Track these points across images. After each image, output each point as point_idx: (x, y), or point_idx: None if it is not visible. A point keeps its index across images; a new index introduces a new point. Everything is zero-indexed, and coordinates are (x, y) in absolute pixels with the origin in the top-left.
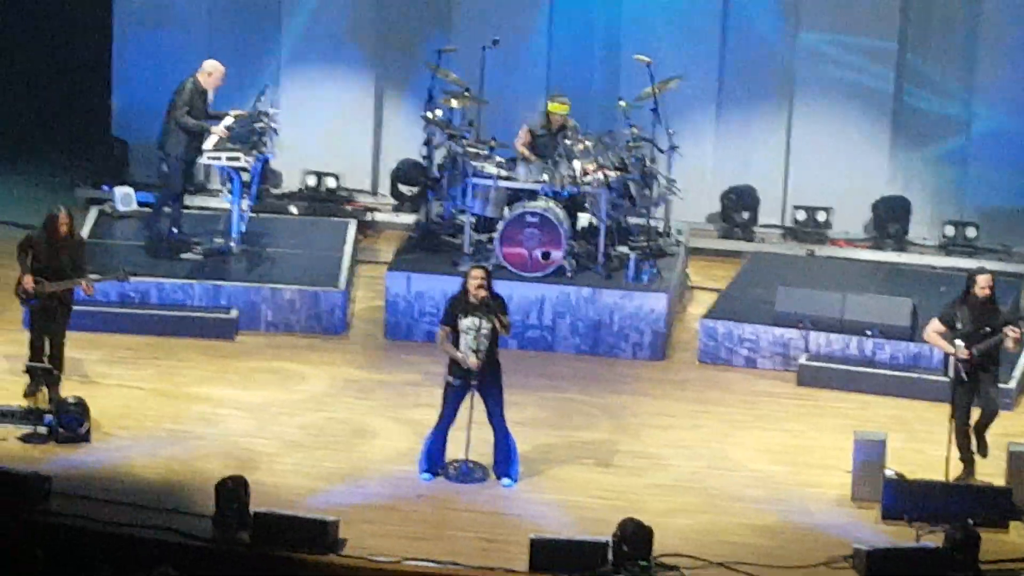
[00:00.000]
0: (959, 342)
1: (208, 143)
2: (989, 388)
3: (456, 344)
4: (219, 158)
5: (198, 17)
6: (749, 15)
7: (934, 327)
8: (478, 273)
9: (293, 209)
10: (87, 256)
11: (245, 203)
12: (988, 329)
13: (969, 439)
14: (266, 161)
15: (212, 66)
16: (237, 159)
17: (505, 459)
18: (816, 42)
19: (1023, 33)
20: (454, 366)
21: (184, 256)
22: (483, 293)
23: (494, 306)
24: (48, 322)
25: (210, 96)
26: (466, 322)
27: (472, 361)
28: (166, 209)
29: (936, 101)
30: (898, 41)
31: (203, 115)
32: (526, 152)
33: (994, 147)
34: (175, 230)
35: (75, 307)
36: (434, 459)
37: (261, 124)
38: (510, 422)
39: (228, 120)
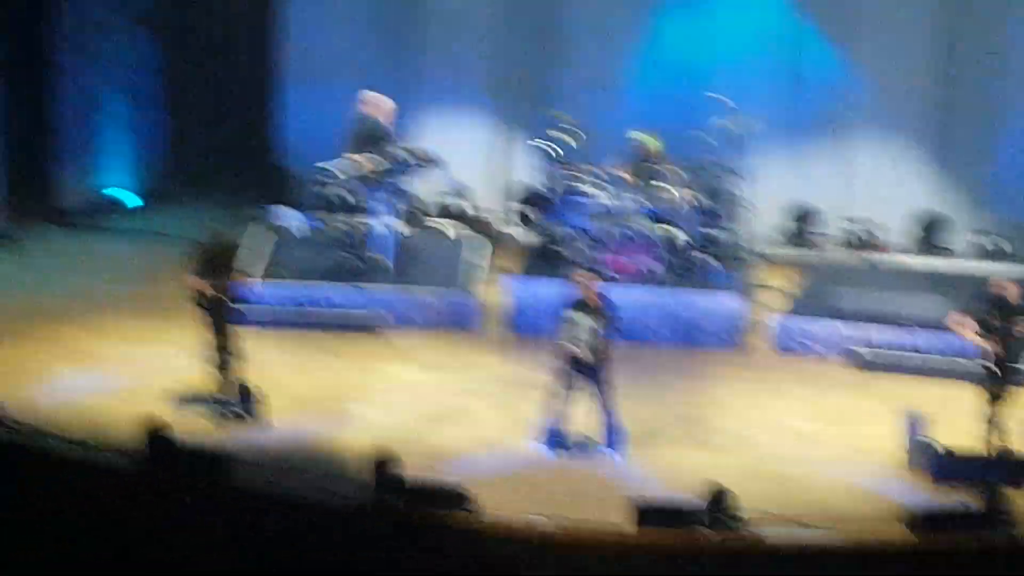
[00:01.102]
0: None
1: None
2: (1014, 375)
3: (571, 339)
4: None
5: (353, 63)
6: (814, 59)
7: (967, 323)
8: (588, 277)
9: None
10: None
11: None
12: (1014, 327)
13: (1003, 415)
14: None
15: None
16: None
17: (612, 436)
18: (869, 82)
19: None
20: (569, 356)
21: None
22: (592, 295)
23: (602, 307)
24: (220, 320)
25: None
26: (578, 318)
27: (581, 352)
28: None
29: (971, 130)
30: (937, 81)
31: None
32: (630, 178)
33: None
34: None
35: (254, 307)
36: (554, 436)
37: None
38: (617, 405)
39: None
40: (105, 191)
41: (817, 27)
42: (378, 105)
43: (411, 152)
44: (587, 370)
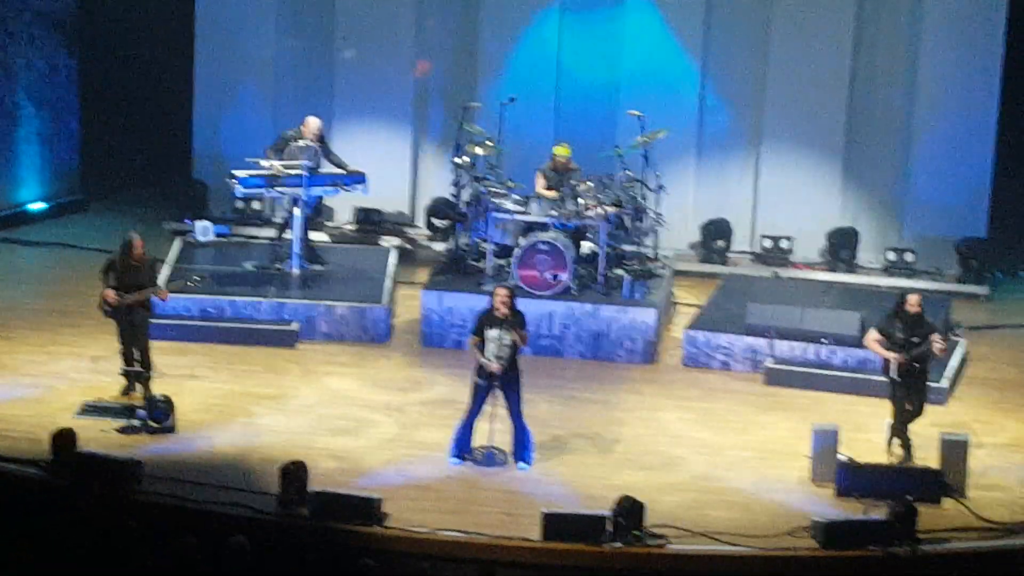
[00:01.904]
0: (893, 354)
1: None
2: (920, 390)
3: (483, 351)
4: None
5: (264, 80)
6: (724, 79)
7: (873, 336)
8: (503, 292)
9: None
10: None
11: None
12: (917, 339)
13: (906, 429)
14: (320, 199)
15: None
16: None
17: (521, 446)
18: (779, 99)
19: (954, 100)
20: (481, 369)
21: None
22: (506, 309)
23: (515, 321)
24: (133, 331)
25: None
26: (491, 333)
27: (494, 366)
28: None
29: (880, 148)
30: (847, 100)
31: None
32: (545, 192)
33: (929, 187)
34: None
35: (164, 320)
36: (462, 447)
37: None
38: (526, 416)
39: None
40: (15, 201)
41: (728, 44)
42: (305, 123)
43: (337, 166)
44: (498, 382)
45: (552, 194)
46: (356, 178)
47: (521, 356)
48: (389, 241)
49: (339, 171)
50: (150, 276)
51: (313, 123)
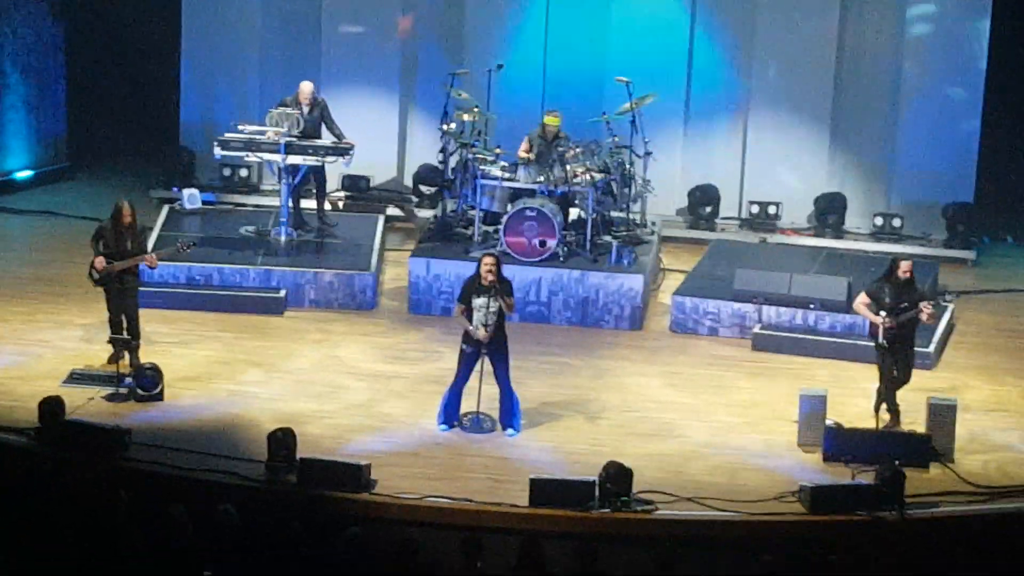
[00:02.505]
0: (883, 314)
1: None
2: (908, 355)
3: (469, 318)
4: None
5: (251, 48)
6: (712, 43)
7: (862, 299)
8: (489, 260)
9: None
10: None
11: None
12: (906, 304)
13: (894, 394)
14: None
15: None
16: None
17: (509, 413)
18: (766, 65)
19: (941, 64)
20: (467, 336)
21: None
22: (492, 277)
23: (501, 288)
24: (122, 299)
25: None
26: (478, 301)
27: (481, 334)
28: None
29: (867, 114)
30: (835, 65)
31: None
32: (527, 156)
33: (916, 152)
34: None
35: (151, 288)
36: (450, 413)
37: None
38: (514, 382)
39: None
40: (1, 169)
41: (716, 9)
42: (300, 89)
43: (336, 136)
44: (485, 349)
45: (527, 155)
46: (339, 150)
47: (508, 323)
48: (374, 208)
49: (325, 142)
50: (139, 243)
51: (303, 88)
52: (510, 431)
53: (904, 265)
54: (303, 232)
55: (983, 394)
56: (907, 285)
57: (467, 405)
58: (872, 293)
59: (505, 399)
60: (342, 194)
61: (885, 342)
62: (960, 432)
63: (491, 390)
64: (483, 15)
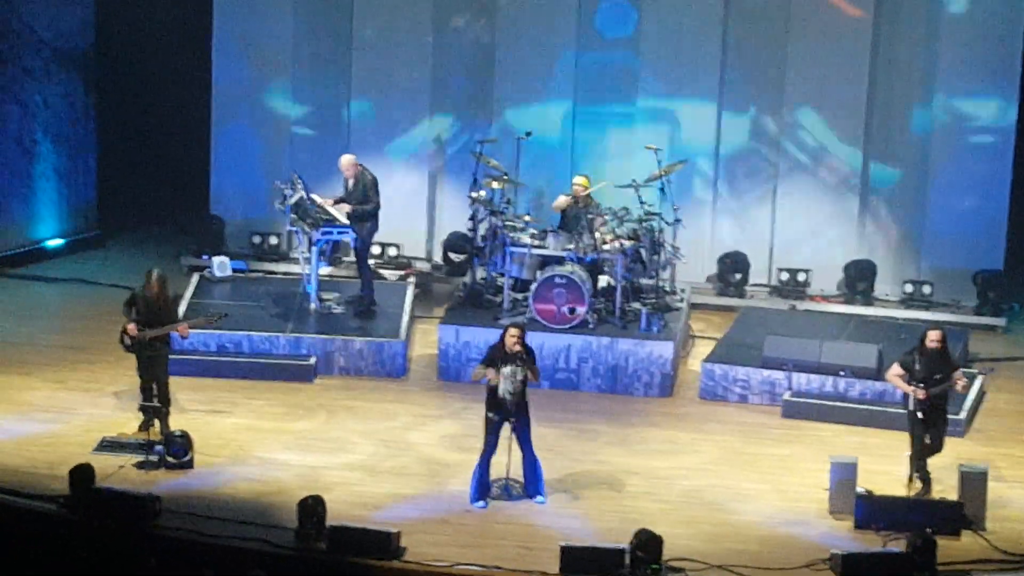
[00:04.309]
0: (916, 384)
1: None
2: (940, 424)
3: (494, 385)
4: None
5: (282, 121)
6: (740, 111)
7: (895, 371)
8: (514, 331)
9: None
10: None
11: (323, 267)
12: (939, 376)
13: (925, 462)
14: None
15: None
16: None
17: (534, 479)
18: (796, 133)
19: (971, 132)
20: (492, 403)
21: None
22: (519, 348)
23: (527, 358)
24: (152, 366)
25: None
26: (504, 370)
27: (511, 402)
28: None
29: (897, 181)
30: (864, 133)
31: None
32: (560, 203)
33: (946, 220)
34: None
35: (181, 356)
36: (483, 488)
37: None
38: (542, 448)
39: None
40: (33, 237)
41: (745, 80)
42: (340, 163)
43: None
44: (511, 417)
45: (562, 202)
46: (341, 229)
47: (537, 391)
48: (404, 275)
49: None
50: (171, 312)
51: (341, 161)
52: (539, 498)
53: (933, 335)
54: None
55: (1014, 461)
56: (939, 355)
57: (494, 472)
58: (905, 364)
59: (529, 466)
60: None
61: (918, 412)
62: (992, 499)
63: (515, 456)
64: (512, 84)
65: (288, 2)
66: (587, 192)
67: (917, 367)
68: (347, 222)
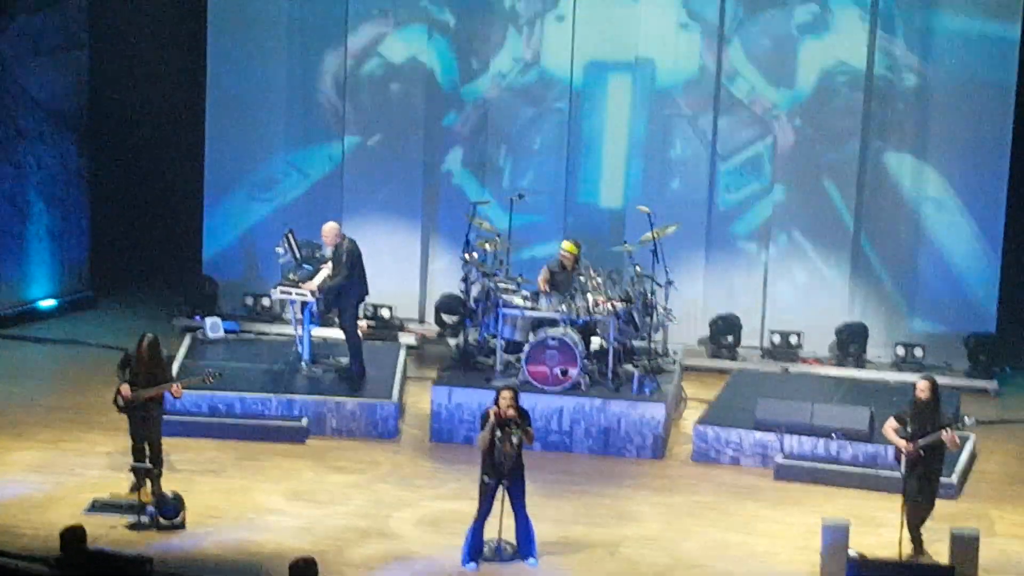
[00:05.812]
0: (903, 441)
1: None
2: (932, 483)
3: (491, 451)
4: (290, 293)
5: (274, 182)
6: (731, 175)
7: (890, 424)
8: (508, 394)
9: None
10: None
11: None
12: (929, 429)
13: (918, 525)
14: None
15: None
16: (305, 295)
17: (527, 541)
18: (787, 195)
19: (962, 193)
20: (487, 466)
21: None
22: (512, 412)
23: (522, 421)
24: (145, 426)
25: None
26: (498, 433)
27: (503, 465)
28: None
29: (888, 244)
30: (856, 195)
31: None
32: (546, 287)
33: (937, 282)
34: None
35: (173, 416)
36: (475, 551)
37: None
38: (534, 510)
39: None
40: (25, 298)
41: (737, 139)
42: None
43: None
44: (506, 480)
45: (544, 286)
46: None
47: (530, 452)
48: (403, 337)
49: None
50: (165, 372)
51: (324, 229)
52: (531, 560)
53: (921, 385)
54: (321, 365)
55: (1006, 524)
56: (928, 408)
57: (487, 533)
58: (899, 417)
59: (521, 528)
60: (363, 323)
61: (904, 466)
62: (985, 560)
63: (507, 520)
64: (506, 144)
65: (283, 73)
66: (574, 257)
67: (908, 422)
68: (312, 294)
